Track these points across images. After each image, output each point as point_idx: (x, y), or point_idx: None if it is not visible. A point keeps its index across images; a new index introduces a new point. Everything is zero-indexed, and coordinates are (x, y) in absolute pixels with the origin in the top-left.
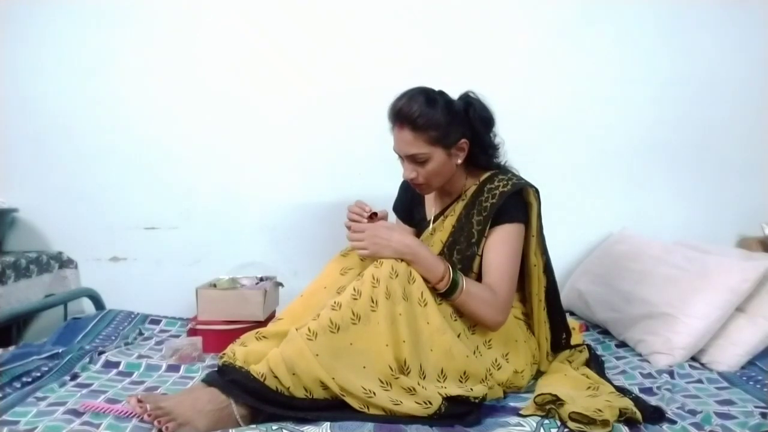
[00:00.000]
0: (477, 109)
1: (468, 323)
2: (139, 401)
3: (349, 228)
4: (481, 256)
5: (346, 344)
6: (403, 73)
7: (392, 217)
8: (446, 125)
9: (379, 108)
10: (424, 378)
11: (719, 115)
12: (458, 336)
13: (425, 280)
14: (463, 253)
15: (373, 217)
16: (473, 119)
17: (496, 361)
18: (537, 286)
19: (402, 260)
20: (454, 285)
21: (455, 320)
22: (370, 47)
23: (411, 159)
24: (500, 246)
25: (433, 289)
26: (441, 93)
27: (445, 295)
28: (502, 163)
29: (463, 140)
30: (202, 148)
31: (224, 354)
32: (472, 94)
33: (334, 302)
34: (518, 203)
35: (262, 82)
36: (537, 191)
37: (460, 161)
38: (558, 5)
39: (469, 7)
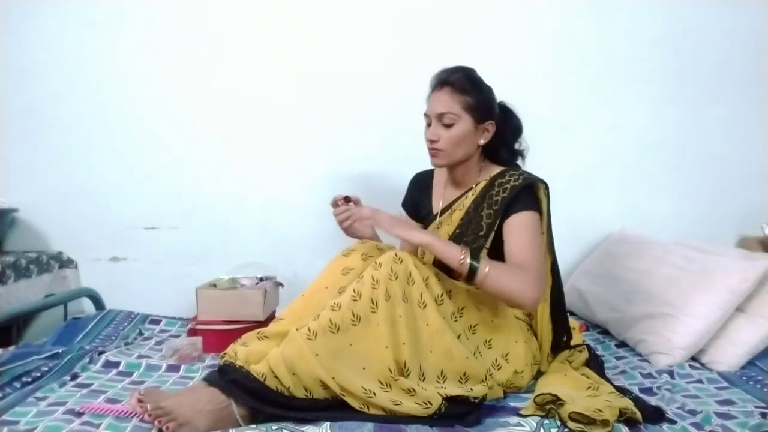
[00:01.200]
0: (511, 115)
1: (469, 323)
2: (140, 401)
3: (344, 229)
4: (489, 249)
5: (345, 345)
6: (403, 74)
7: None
8: (482, 100)
9: (379, 108)
10: (424, 379)
11: (719, 115)
12: (458, 337)
13: (447, 269)
14: (469, 245)
15: (347, 200)
16: (506, 121)
17: (496, 361)
18: (544, 286)
19: (402, 261)
20: (475, 259)
21: (455, 321)
22: (370, 48)
23: (439, 119)
24: (519, 232)
25: (457, 274)
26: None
27: (471, 275)
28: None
29: (490, 122)
30: (202, 148)
31: (225, 354)
32: (505, 104)
33: (334, 303)
34: (530, 196)
35: (262, 82)
36: (547, 187)
37: (482, 142)
38: (558, 5)
39: (470, 6)
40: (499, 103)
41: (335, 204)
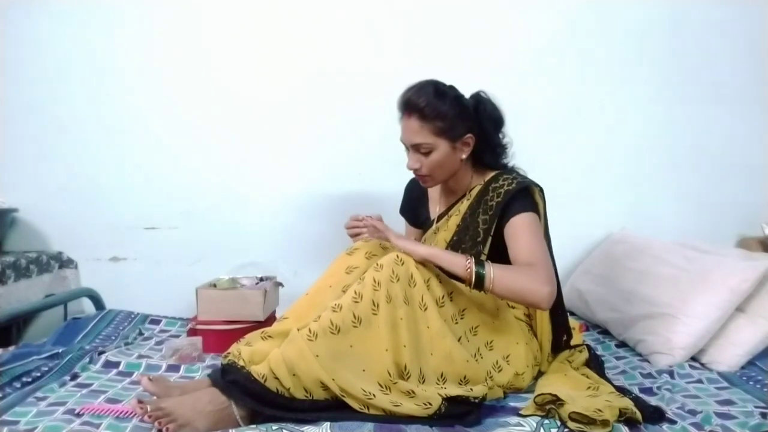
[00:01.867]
0: (487, 107)
1: (470, 325)
2: (140, 402)
3: (352, 236)
4: (487, 254)
5: (346, 346)
6: (403, 74)
7: (400, 220)
8: (453, 118)
9: (378, 108)
10: (424, 382)
11: (719, 115)
12: (459, 339)
13: (454, 276)
14: (468, 252)
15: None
16: (482, 117)
17: (497, 363)
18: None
19: (403, 262)
20: (480, 265)
21: (456, 323)
22: (370, 48)
23: (415, 149)
24: (521, 233)
25: (465, 282)
26: (451, 87)
27: (479, 282)
28: (510, 164)
29: (468, 135)
30: (202, 148)
31: (229, 353)
32: (483, 94)
33: (335, 304)
34: (525, 198)
35: (263, 83)
36: (542, 190)
37: (464, 156)
38: (558, 5)
39: (471, 6)
40: (475, 95)
41: (354, 222)
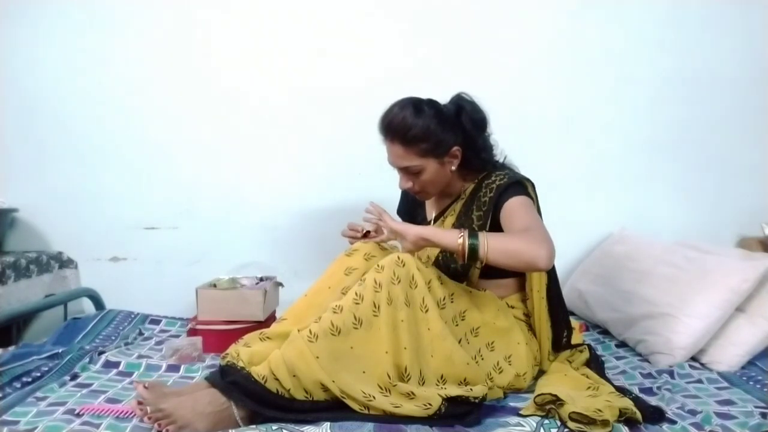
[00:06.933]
0: (469, 112)
1: (471, 326)
2: (140, 403)
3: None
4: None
5: (346, 348)
6: (402, 74)
7: (399, 220)
8: (436, 136)
9: (378, 108)
10: (423, 383)
11: (719, 115)
12: (459, 341)
13: (450, 254)
14: None
15: (367, 235)
16: (465, 123)
17: (497, 364)
18: (538, 282)
19: (404, 264)
20: (473, 236)
21: (457, 325)
22: (369, 48)
23: (404, 171)
24: (515, 211)
25: (458, 255)
26: (430, 103)
27: (473, 253)
28: (500, 160)
29: (455, 148)
30: (203, 149)
31: (227, 354)
32: (465, 96)
33: (336, 305)
34: (517, 188)
35: (262, 83)
36: (533, 185)
37: (454, 168)
38: (557, 5)
39: (469, 7)
40: (455, 100)
41: (351, 232)
